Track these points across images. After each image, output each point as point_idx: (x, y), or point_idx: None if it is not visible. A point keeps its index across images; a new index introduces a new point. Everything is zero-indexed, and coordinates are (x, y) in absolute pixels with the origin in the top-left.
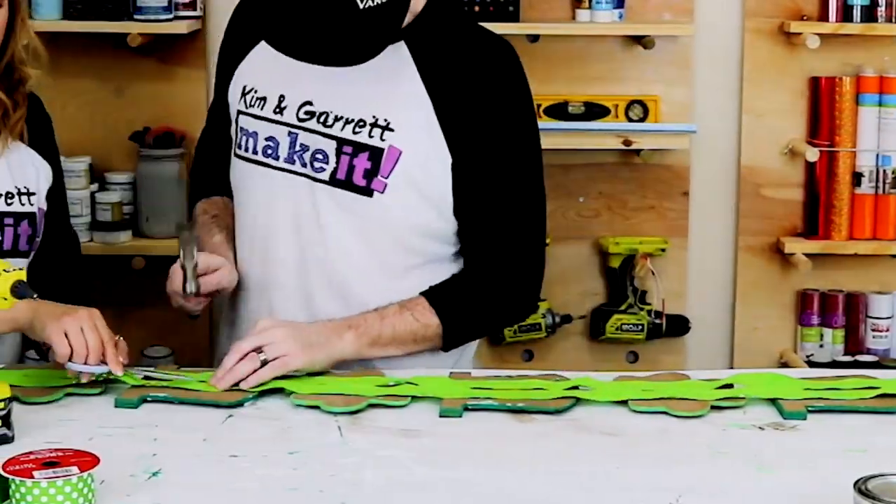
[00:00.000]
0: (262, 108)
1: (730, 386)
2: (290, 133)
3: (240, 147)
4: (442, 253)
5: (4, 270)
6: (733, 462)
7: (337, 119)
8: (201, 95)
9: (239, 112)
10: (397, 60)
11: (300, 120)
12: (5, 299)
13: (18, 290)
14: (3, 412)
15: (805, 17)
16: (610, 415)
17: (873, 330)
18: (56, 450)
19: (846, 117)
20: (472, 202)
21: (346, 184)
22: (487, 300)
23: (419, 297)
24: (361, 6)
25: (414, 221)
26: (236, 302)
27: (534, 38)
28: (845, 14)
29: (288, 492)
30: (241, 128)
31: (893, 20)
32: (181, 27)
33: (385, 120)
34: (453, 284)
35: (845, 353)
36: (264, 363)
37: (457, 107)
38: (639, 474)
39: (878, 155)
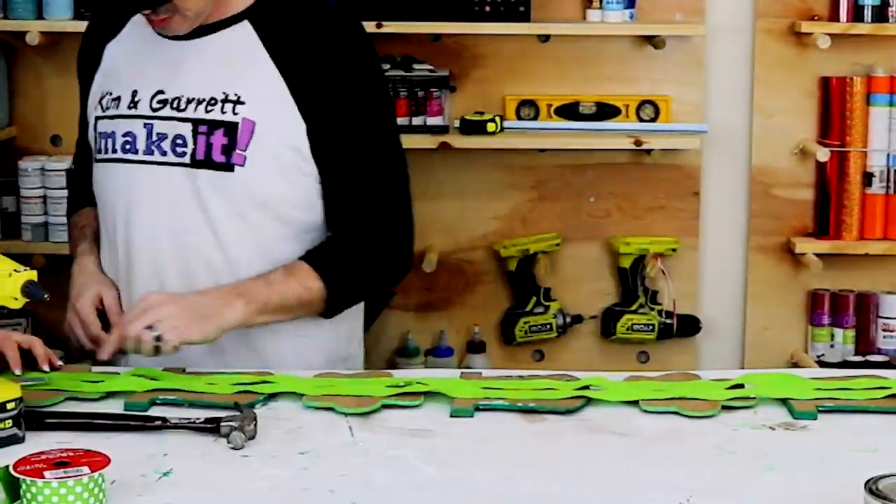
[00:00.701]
0: (117, 108)
1: (740, 386)
2: (145, 125)
3: (99, 151)
4: (312, 221)
5: (15, 270)
6: (744, 462)
7: (189, 101)
8: None
9: (97, 119)
10: (243, 39)
11: (154, 110)
12: (16, 299)
13: (30, 291)
14: (14, 412)
15: (815, 18)
16: (621, 415)
17: (884, 330)
18: (67, 450)
19: (857, 117)
20: (332, 166)
21: (207, 163)
22: (364, 261)
23: (301, 262)
24: None
25: (278, 190)
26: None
27: (545, 38)
28: (856, 14)
29: (298, 492)
30: (101, 132)
31: None
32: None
33: (235, 94)
34: (331, 247)
35: (856, 354)
36: (158, 340)
37: (305, 74)
38: (649, 474)
39: (888, 155)
